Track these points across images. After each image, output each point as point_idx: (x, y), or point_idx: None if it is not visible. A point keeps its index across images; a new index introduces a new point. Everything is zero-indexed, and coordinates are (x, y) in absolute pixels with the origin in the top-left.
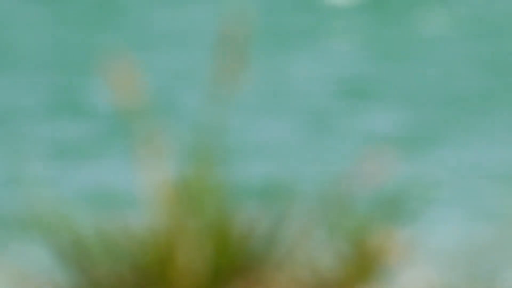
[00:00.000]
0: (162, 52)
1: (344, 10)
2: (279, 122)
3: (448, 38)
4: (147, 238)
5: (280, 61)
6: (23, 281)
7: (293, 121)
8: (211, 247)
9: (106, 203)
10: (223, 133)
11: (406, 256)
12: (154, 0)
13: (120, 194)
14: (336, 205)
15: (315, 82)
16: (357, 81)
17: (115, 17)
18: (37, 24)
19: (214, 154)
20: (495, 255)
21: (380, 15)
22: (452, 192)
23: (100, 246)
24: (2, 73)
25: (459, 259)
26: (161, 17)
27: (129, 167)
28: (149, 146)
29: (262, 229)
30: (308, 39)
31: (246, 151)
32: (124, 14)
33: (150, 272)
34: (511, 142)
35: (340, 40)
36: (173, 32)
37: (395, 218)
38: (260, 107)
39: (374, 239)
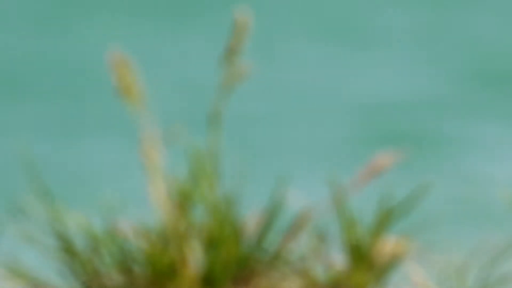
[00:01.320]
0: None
1: None
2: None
3: None
4: (147, 243)
5: None
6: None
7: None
8: (213, 251)
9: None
10: (221, 140)
11: (408, 260)
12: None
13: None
14: (341, 208)
15: None
16: None
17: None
18: None
19: (213, 161)
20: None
21: None
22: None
23: (107, 248)
24: None
25: (462, 266)
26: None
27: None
28: (150, 148)
29: (263, 232)
30: None
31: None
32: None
33: (147, 274)
34: None
35: None
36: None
37: (396, 222)
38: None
39: (377, 243)
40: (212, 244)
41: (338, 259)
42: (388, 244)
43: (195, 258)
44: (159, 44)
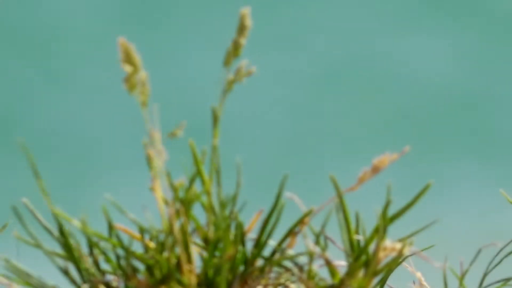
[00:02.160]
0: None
1: None
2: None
3: None
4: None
5: None
6: None
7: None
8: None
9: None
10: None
11: (409, 261)
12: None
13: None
14: (342, 208)
15: None
16: None
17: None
18: None
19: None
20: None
21: None
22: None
23: (107, 249)
24: None
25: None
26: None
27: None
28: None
29: (264, 232)
30: None
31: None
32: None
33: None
34: None
35: None
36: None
37: (398, 223)
38: None
39: (378, 244)
40: (212, 244)
41: (339, 260)
42: (389, 245)
43: (195, 259)
44: (159, 43)
